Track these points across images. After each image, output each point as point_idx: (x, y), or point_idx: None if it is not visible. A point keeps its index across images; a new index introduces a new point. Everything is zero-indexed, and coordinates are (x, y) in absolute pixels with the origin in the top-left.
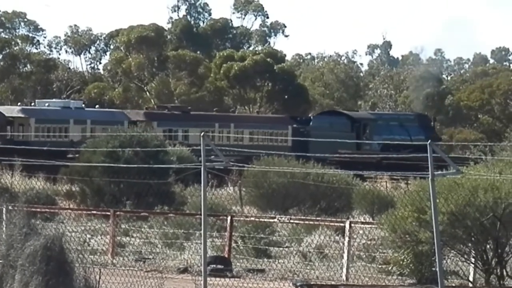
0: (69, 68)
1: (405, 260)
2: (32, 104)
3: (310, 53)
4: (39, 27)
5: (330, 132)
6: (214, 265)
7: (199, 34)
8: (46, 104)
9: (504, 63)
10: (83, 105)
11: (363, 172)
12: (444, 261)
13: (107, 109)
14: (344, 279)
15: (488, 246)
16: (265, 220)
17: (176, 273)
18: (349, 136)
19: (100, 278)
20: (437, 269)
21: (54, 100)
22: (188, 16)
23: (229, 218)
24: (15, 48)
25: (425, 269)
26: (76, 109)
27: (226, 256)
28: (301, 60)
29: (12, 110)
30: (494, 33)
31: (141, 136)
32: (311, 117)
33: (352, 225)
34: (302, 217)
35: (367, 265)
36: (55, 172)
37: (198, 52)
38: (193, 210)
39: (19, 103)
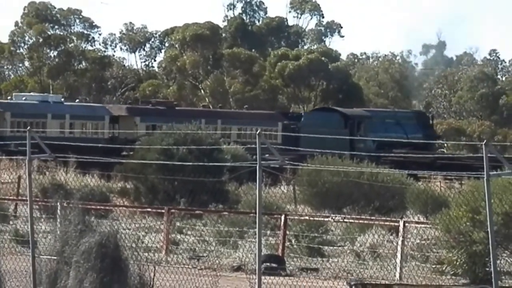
0: (124, 65)
1: (459, 260)
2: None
3: (365, 53)
4: (94, 24)
5: (322, 129)
6: (268, 264)
7: (254, 33)
8: (23, 98)
9: None
10: (62, 100)
11: (417, 171)
12: (498, 261)
13: (87, 104)
14: (398, 278)
15: None
16: (319, 219)
17: (230, 271)
18: (342, 134)
19: (154, 275)
20: (492, 269)
21: (32, 94)
22: (244, 15)
23: (283, 216)
24: (70, 45)
25: (479, 269)
26: (54, 103)
27: (280, 254)
28: (356, 60)
29: None
30: None
31: (195, 134)
32: (303, 114)
33: (406, 224)
34: (356, 216)
35: (421, 265)
36: (109, 169)
37: (253, 50)
38: (247, 209)
39: None
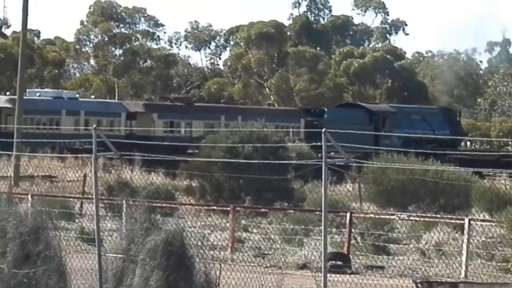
0: (189, 63)
1: None
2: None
3: (430, 51)
4: (159, 22)
5: (346, 125)
6: (334, 262)
7: (319, 31)
8: (37, 94)
9: None
10: (77, 96)
11: (482, 169)
12: None
13: (102, 100)
14: (463, 276)
15: None
16: (384, 217)
17: (295, 269)
18: (366, 130)
19: (220, 273)
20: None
21: (46, 90)
22: (308, 13)
23: (348, 214)
24: (135, 44)
25: None
26: (69, 100)
27: (346, 252)
28: (421, 58)
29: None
30: None
31: (261, 132)
32: (325, 110)
33: (471, 222)
34: (421, 214)
35: (486, 263)
36: (175, 167)
37: (318, 48)
38: (312, 206)
39: (7, 93)
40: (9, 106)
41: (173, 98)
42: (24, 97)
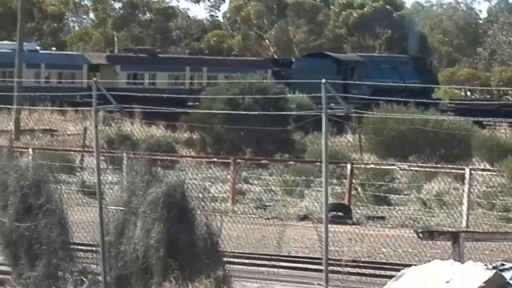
0: (188, 16)
1: None
2: (53, 48)
3: (429, 0)
4: None
5: (313, 75)
6: (335, 213)
7: None
8: None
9: None
10: (38, 48)
11: (482, 118)
12: None
13: (64, 52)
14: (464, 226)
15: None
16: (385, 167)
17: (296, 220)
18: (335, 79)
19: (221, 225)
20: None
21: (4, 42)
22: None
23: (349, 165)
24: None
25: None
26: (29, 52)
27: (347, 203)
28: (420, 8)
29: None
30: None
31: (260, 83)
32: (293, 60)
33: (472, 172)
34: (422, 164)
35: (487, 212)
36: (175, 119)
37: None
38: (313, 158)
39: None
40: None
41: (137, 49)
42: None
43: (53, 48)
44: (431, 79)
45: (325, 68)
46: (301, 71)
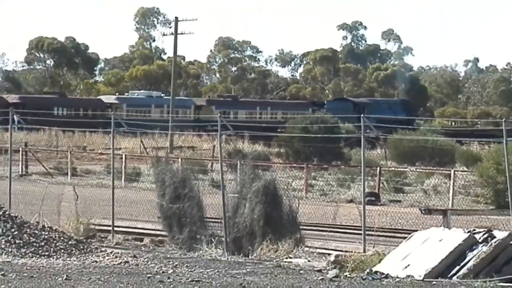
0: (278, 75)
1: (488, 194)
2: (163, 95)
3: (428, 65)
4: (259, 50)
5: (339, 111)
6: (369, 198)
7: (359, 54)
8: (136, 94)
9: None
10: (162, 95)
11: (461, 138)
12: None
13: (179, 97)
14: (451, 205)
15: None
16: (401, 169)
17: (345, 203)
18: (352, 114)
19: (298, 206)
20: (509, 200)
21: (142, 91)
22: (352, 43)
23: (378, 168)
24: (244, 63)
25: (501, 199)
26: (156, 97)
27: (377, 192)
28: (423, 70)
29: (110, 98)
30: None
31: (323, 117)
32: (325, 102)
33: (455, 172)
34: (424, 168)
35: (465, 197)
36: (270, 140)
37: (358, 65)
38: (355, 163)
39: (116, 93)
40: (117, 102)
41: (226, 95)
42: (127, 96)
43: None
44: (413, 114)
45: (346, 107)
46: (330, 109)
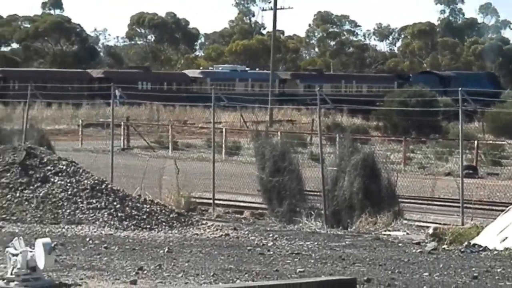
0: (376, 49)
1: None
2: (257, 69)
3: None
4: (357, 24)
5: (424, 84)
6: (467, 171)
7: (456, 28)
8: (220, 68)
9: None
10: (247, 69)
11: None
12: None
13: (263, 71)
14: None
15: None
16: (498, 142)
17: (443, 176)
18: (437, 88)
19: (397, 179)
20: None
21: (226, 65)
22: (450, 17)
23: (476, 141)
24: (342, 38)
25: None
26: (241, 71)
27: (474, 165)
28: None
29: (194, 73)
30: None
31: (421, 90)
32: (410, 75)
33: None
34: None
35: None
36: (369, 113)
37: (456, 39)
38: (453, 137)
39: (201, 68)
40: (201, 76)
41: (311, 69)
42: (211, 70)
43: (257, 69)
44: (498, 87)
45: (432, 80)
46: (415, 82)
